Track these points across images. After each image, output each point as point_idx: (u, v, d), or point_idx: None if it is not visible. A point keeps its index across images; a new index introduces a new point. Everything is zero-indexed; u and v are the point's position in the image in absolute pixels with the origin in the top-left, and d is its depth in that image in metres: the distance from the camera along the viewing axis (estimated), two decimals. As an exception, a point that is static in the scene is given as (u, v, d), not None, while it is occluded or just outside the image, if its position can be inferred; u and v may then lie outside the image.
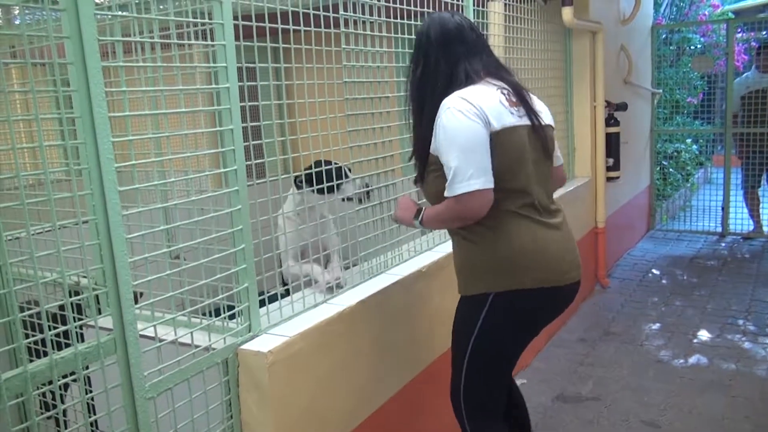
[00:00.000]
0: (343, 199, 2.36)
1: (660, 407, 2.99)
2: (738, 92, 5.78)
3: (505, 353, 2.01)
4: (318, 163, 2.20)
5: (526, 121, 1.87)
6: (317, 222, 2.18)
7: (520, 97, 1.89)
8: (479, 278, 1.91)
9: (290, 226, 2.22)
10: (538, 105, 1.97)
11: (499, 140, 1.79)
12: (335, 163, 2.25)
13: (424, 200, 2.04)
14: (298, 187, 2.32)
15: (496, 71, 1.93)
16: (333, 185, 2.19)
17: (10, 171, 2.13)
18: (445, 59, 1.88)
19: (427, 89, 1.90)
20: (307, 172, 2.26)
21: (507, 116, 1.82)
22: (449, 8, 2.69)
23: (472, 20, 2.30)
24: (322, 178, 2.16)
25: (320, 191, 2.23)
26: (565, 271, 1.91)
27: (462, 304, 2.01)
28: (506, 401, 2.11)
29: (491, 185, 1.77)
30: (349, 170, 2.34)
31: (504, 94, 1.86)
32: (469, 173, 1.75)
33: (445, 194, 1.80)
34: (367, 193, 2.36)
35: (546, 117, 1.97)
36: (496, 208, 1.82)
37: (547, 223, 1.90)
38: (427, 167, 1.92)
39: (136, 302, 1.55)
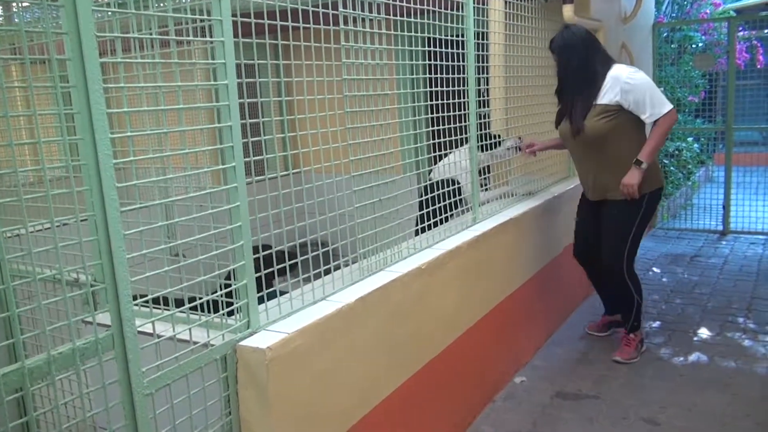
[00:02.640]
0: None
1: (660, 405, 2.99)
2: None
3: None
4: (486, 135, 3.23)
5: None
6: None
7: None
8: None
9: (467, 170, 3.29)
10: None
11: None
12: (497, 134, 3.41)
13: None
14: (482, 149, 3.25)
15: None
16: (496, 142, 3.34)
17: (9, 168, 2.13)
18: (597, 50, 3.20)
19: (595, 65, 3.15)
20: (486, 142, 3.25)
21: None
22: (450, 6, 2.70)
23: (473, 17, 2.93)
24: (484, 140, 3.18)
25: (488, 148, 3.29)
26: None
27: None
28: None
29: None
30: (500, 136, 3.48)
31: None
32: (663, 99, 3.05)
33: (651, 119, 3.05)
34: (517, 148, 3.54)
35: None
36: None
37: None
38: (590, 117, 3.11)
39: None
